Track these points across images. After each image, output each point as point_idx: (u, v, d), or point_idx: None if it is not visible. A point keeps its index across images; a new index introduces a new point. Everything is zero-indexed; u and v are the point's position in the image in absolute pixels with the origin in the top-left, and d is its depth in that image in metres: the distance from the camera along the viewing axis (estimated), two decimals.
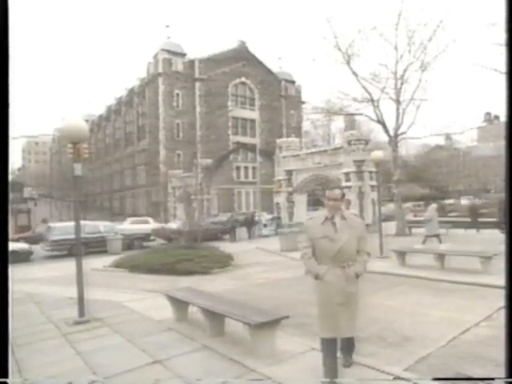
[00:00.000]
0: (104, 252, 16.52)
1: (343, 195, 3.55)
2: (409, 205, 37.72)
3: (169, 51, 44.51)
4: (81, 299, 6.10)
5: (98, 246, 16.95)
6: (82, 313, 6.08)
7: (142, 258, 12.00)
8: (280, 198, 27.25)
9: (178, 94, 44.65)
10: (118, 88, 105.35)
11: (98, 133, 63.55)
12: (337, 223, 3.44)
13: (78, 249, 6.45)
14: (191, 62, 45.78)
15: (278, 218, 25.81)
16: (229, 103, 47.78)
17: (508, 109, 1.53)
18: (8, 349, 1.61)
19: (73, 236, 6.77)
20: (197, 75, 45.72)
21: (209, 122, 46.04)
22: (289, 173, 26.78)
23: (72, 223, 7.11)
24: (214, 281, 9.70)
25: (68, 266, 8.45)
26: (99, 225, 18.65)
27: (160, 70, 43.67)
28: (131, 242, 18.54)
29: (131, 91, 51.56)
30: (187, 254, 11.58)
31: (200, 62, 46.04)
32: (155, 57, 45.11)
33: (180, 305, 5.83)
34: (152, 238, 19.95)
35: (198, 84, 45.80)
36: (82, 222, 11.58)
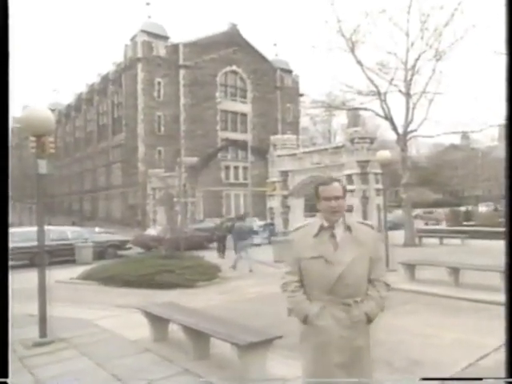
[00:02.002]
0: (72, 262, 16.38)
1: (345, 191, 2.71)
2: (419, 211, 38.07)
3: (149, 33, 44.47)
4: (43, 317, 6.01)
5: (64, 254, 16.80)
6: (43, 333, 6.00)
7: (116, 269, 11.91)
8: (274, 203, 27.30)
9: (159, 83, 44.60)
10: (90, 73, 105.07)
11: (65, 125, 63.22)
12: (337, 236, 2.61)
13: (40, 258, 6.37)
14: (175, 47, 45.79)
15: (272, 224, 25.86)
16: (217, 94, 47.83)
17: (508, 109, 1.73)
18: (8, 349, 1.77)
19: (35, 243, 6.68)
20: (181, 62, 45.74)
21: (194, 116, 46.05)
22: (284, 174, 26.86)
23: (34, 228, 7.03)
24: (198, 295, 9.68)
25: (29, 278, 8.35)
26: (66, 230, 18.50)
27: (139, 54, 43.64)
28: (104, 249, 18.42)
29: (105, 78, 51.38)
30: (168, 264, 11.54)
31: (185, 46, 46.08)
32: (133, 39, 45.07)
33: (159, 322, 5.80)
34: (128, 245, 19.88)
35: (182, 72, 45.80)
36: (46, 227, 11.44)
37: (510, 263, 1.77)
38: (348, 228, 2.63)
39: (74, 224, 37.41)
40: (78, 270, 12.93)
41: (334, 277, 2.53)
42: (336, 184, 2.66)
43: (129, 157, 44.76)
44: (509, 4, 1.68)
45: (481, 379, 2.06)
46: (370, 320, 2.61)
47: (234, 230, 15.44)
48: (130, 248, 19.82)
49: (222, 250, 17.94)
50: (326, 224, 2.64)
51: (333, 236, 2.62)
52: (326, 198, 2.61)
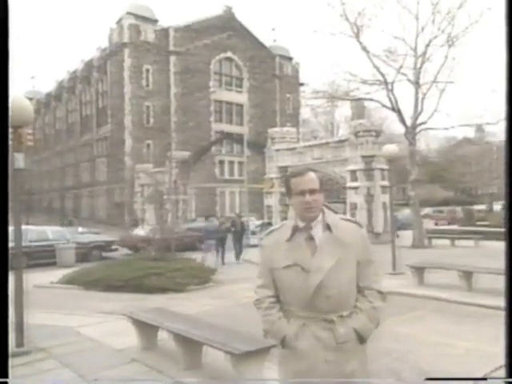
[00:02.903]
0: (52, 264, 16.36)
1: (322, 182, 2.41)
2: (428, 210, 38.16)
3: (136, 16, 44.43)
4: (19, 324, 5.99)
5: (44, 256, 16.77)
6: (20, 342, 5.98)
7: (101, 272, 11.94)
8: (272, 200, 27.34)
9: (147, 70, 44.53)
10: (72, 59, 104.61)
11: (45, 115, 63.05)
12: (315, 237, 2.33)
13: (17, 260, 6.35)
14: (165, 31, 45.72)
15: (269, 224, 25.84)
16: (211, 83, 47.81)
17: (508, 108, 1.81)
18: (8, 349, 1.85)
19: (11, 244, 6.66)
20: (171, 47, 45.70)
21: (186, 106, 46.02)
22: (283, 169, 26.84)
23: (10, 228, 6.99)
24: (190, 300, 9.73)
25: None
26: (47, 230, 18.46)
27: (125, 39, 43.56)
28: (88, 251, 18.42)
29: (89, 64, 51.25)
30: (157, 266, 11.61)
31: (176, 30, 46.00)
32: (119, 22, 44.96)
33: (147, 330, 5.81)
34: (114, 246, 19.95)
35: (172, 58, 45.76)
36: (24, 227, 11.41)
37: (510, 263, 1.84)
38: (328, 227, 2.33)
39: (71, 223, 37.14)
40: (60, 274, 12.91)
41: (311, 287, 2.25)
42: (311, 174, 2.36)
43: (115, 151, 44.71)
44: (509, 4, 1.77)
45: (485, 379, 2.08)
46: (361, 338, 2.30)
47: (203, 229, 16.86)
48: (116, 249, 19.87)
49: (222, 252, 16.99)
50: (300, 224, 2.35)
51: (310, 238, 2.33)
52: (300, 191, 2.32)
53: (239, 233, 18.04)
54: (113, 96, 45.61)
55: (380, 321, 2.39)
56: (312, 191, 2.31)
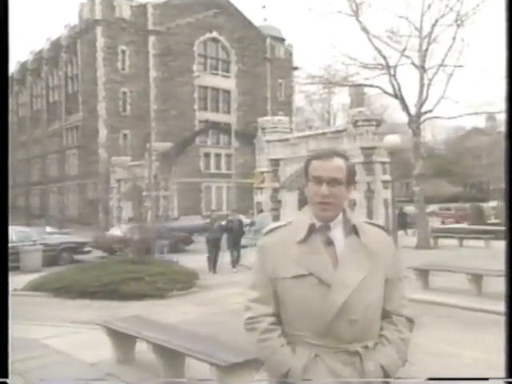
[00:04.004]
0: (16, 269, 16.22)
1: (350, 174, 2.10)
2: (434, 207, 38.47)
3: None
4: None
5: None
6: None
7: (73, 277, 11.91)
8: (262, 197, 27.33)
9: (123, 52, 44.26)
10: (37, 38, 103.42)
11: None
12: (336, 243, 2.04)
13: None
14: (142, 7, 45.50)
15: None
16: (194, 67, 47.69)
17: (508, 108, 1.90)
18: (8, 349, 1.93)
19: None
20: (150, 26, 45.47)
21: (167, 92, 45.85)
22: (274, 163, 26.89)
23: None
24: (172, 307, 9.76)
25: None
26: (9, 230, 18.29)
27: (98, 15, 43.25)
28: (57, 254, 18.35)
29: (56, 44, 50.77)
30: (136, 270, 11.61)
31: (155, 7, 45.77)
32: None
33: (124, 341, 5.82)
34: (87, 248, 19.90)
35: (151, 39, 45.53)
36: None
37: (509, 266, 1.89)
38: (353, 230, 2.04)
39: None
40: (24, 280, 12.79)
41: (333, 308, 1.93)
42: (337, 160, 2.05)
43: (87, 141, 44.45)
44: (509, 4, 1.87)
45: (487, 379, 2.11)
46: (387, 376, 1.98)
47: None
48: (89, 251, 19.83)
49: (213, 259, 15.69)
50: (317, 222, 2.04)
51: (329, 243, 2.02)
52: (317, 179, 2.01)
53: (237, 234, 16.43)
54: (84, 80, 45.26)
55: (406, 354, 2.11)
56: (333, 181, 2.00)
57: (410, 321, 2.14)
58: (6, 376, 1.91)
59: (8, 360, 1.93)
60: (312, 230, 2.02)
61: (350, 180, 2.08)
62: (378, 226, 2.20)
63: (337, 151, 2.18)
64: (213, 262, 15.60)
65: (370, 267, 2.00)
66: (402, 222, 24.25)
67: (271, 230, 2.15)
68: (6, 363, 1.91)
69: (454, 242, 20.22)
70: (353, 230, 2.05)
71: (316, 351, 1.96)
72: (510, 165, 1.87)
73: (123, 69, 44.41)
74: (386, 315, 2.08)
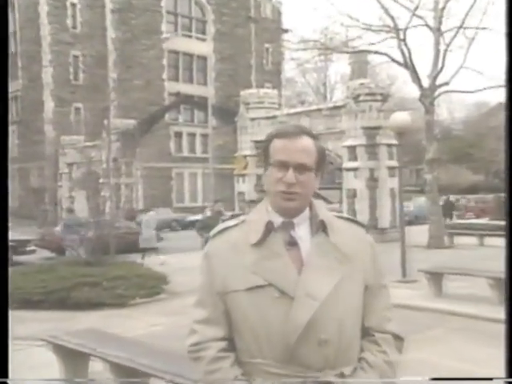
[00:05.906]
0: None
1: (320, 157, 2.02)
2: (451, 199, 38.87)
3: None
4: None
5: None
6: None
7: (13, 283, 11.75)
8: (245, 185, 27.42)
9: (73, 5, 43.94)
10: None
11: None
12: (300, 243, 1.95)
13: None
14: None
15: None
16: (163, 27, 47.41)
17: (508, 107, 2.05)
18: (8, 349, 2.14)
19: None
20: None
21: (129, 57, 45.61)
22: (260, 145, 26.85)
23: None
24: (134, 318, 9.79)
25: None
26: None
27: None
28: None
29: None
30: (91, 274, 11.59)
31: None
32: None
33: (75, 359, 5.81)
34: (30, 247, 20.01)
35: None
36: None
37: (509, 264, 2.02)
38: (321, 226, 1.95)
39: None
40: None
41: (298, 326, 1.81)
42: (306, 140, 1.96)
43: (29, 116, 44.09)
44: (509, 4, 2.04)
45: (491, 379, 2.18)
46: None
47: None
48: (32, 251, 19.94)
49: None
50: (276, 220, 1.94)
51: (291, 244, 1.93)
52: (280, 163, 1.91)
53: None
54: (24, 40, 44.74)
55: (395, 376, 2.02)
56: (300, 167, 1.89)
57: (398, 338, 2.03)
58: (6, 376, 2.17)
59: (8, 360, 2.17)
60: (270, 228, 1.92)
61: (320, 166, 1.99)
62: (354, 221, 2.11)
63: (305, 128, 2.08)
64: None
65: (343, 273, 1.90)
66: (449, 213, 24.19)
67: (219, 232, 2.03)
68: (6, 363, 2.16)
69: (473, 240, 20.41)
70: (321, 227, 1.95)
71: (279, 383, 1.81)
72: (509, 165, 2.00)
73: (74, 27, 44.06)
74: (366, 333, 1.97)
